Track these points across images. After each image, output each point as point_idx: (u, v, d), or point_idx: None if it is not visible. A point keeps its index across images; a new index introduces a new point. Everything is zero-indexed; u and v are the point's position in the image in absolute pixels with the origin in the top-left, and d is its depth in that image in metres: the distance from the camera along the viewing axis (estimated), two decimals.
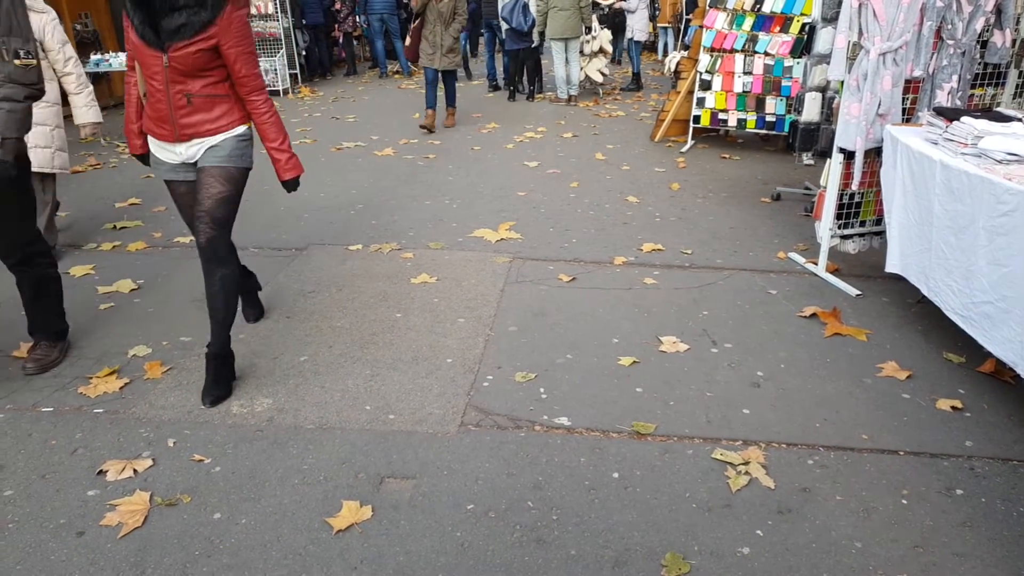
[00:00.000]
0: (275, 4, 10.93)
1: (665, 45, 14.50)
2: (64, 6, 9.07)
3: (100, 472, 2.46)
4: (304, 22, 12.37)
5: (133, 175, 6.40)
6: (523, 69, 10.67)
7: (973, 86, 4.00)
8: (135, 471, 2.46)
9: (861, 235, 4.15)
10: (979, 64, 3.96)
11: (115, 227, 5.01)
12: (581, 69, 10.51)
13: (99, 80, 9.74)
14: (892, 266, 3.56)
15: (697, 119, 7.17)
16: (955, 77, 3.80)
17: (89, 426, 2.73)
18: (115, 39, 10.34)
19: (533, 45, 10.13)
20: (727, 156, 7.06)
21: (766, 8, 6.57)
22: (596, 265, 4.35)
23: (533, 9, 9.71)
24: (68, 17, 9.51)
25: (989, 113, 3.28)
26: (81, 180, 6.28)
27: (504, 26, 10.08)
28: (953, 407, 2.84)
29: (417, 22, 7.95)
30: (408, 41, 8.23)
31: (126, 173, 6.49)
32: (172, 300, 3.87)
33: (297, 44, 12.10)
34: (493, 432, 2.69)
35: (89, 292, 3.96)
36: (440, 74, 8.13)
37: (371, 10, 12.53)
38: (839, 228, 4.08)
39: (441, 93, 8.46)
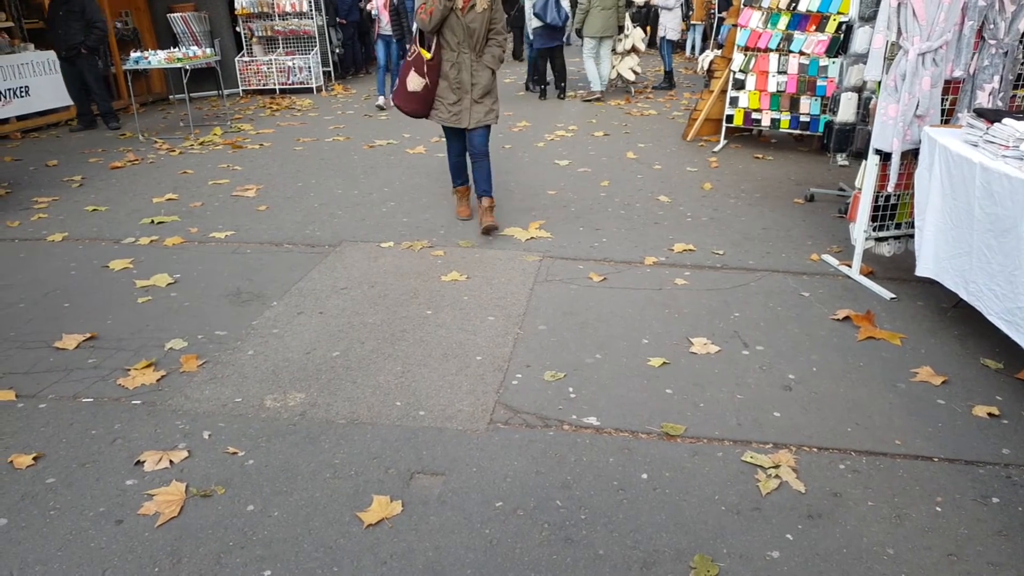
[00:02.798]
0: (310, 2, 11.04)
1: (694, 43, 14.41)
2: (106, 4, 9.26)
3: (138, 462, 2.52)
4: (339, 20, 12.47)
5: (171, 171, 6.52)
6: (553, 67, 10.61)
7: (1015, 87, 3.91)
8: (171, 462, 2.52)
9: (896, 238, 4.09)
10: (1022, 64, 3.87)
11: (152, 222, 5.11)
12: (613, 67, 10.47)
13: (138, 77, 9.95)
14: (924, 270, 3.50)
15: (730, 118, 7.11)
16: (996, 78, 3.72)
17: (127, 417, 2.80)
18: (154, 38, 10.53)
19: (566, 43, 10.06)
20: (760, 156, 6.99)
21: (802, 7, 6.49)
22: (626, 265, 4.33)
23: (565, 4, 9.66)
24: (110, 15, 9.71)
25: None
26: (120, 175, 6.41)
27: (535, 24, 9.96)
28: (990, 414, 2.79)
29: (418, 51, 4.67)
30: (403, 79, 4.76)
31: (164, 169, 6.61)
32: (208, 294, 3.94)
33: (331, 42, 12.21)
34: (522, 430, 2.70)
35: (127, 286, 4.04)
36: (468, 135, 4.83)
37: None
38: (874, 231, 4.02)
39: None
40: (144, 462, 2.52)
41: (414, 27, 4.79)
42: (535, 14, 9.78)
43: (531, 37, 10.51)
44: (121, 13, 10.28)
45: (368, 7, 9.80)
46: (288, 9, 11.09)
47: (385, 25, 9.54)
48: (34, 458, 2.54)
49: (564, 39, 10.14)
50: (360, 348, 3.33)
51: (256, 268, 4.31)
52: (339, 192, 5.83)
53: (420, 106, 4.73)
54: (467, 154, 4.96)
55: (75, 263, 4.39)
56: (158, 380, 3.06)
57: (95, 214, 5.31)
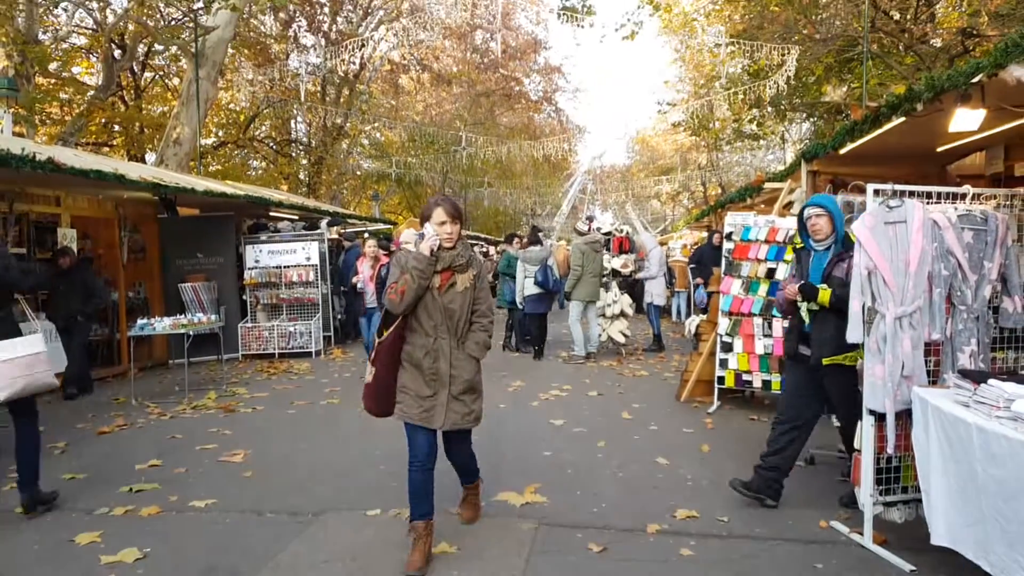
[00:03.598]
0: (316, 272, 11.73)
1: (679, 308, 15.16)
2: (121, 276, 9.82)
3: None
4: (343, 288, 13.12)
5: (160, 435, 6.43)
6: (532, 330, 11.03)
7: (993, 349, 4.02)
8: None
9: (905, 502, 3.92)
10: (995, 328, 4.01)
11: (131, 490, 4.92)
12: (604, 331, 10.88)
13: (140, 342, 10.23)
14: (938, 538, 3.31)
15: (722, 380, 7.21)
16: (974, 340, 3.83)
17: None
18: (162, 305, 11.01)
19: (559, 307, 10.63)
20: (755, 417, 6.97)
21: (779, 275, 6.88)
22: (628, 533, 4.11)
23: (556, 271, 10.51)
24: (124, 285, 10.27)
25: (1016, 376, 3.25)
26: (106, 441, 6.31)
27: (530, 291, 10.56)
28: None
29: (387, 334, 3.81)
30: (371, 374, 3.92)
31: (152, 434, 6.53)
32: (178, 572, 3.66)
33: (333, 308, 12.77)
34: None
35: (90, 563, 3.77)
36: (445, 442, 4.03)
37: None
38: (880, 495, 3.87)
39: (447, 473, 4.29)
40: None
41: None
42: (536, 282, 10.43)
43: (520, 304, 11.01)
44: (136, 283, 10.86)
45: (355, 280, 9.48)
46: (295, 279, 11.74)
47: (371, 298, 9.21)
48: None
49: (553, 304, 10.77)
50: None
51: (234, 540, 4.06)
52: (328, 456, 5.70)
53: (372, 402, 3.93)
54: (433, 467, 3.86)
55: (39, 537, 4.14)
56: None
57: (72, 482, 5.13)
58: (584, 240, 10.44)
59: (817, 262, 4.39)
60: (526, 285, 10.71)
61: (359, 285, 9.36)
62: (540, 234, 11.84)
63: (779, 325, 6.89)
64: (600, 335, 10.90)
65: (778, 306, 4.75)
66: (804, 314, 4.33)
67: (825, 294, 4.17)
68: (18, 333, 4.51)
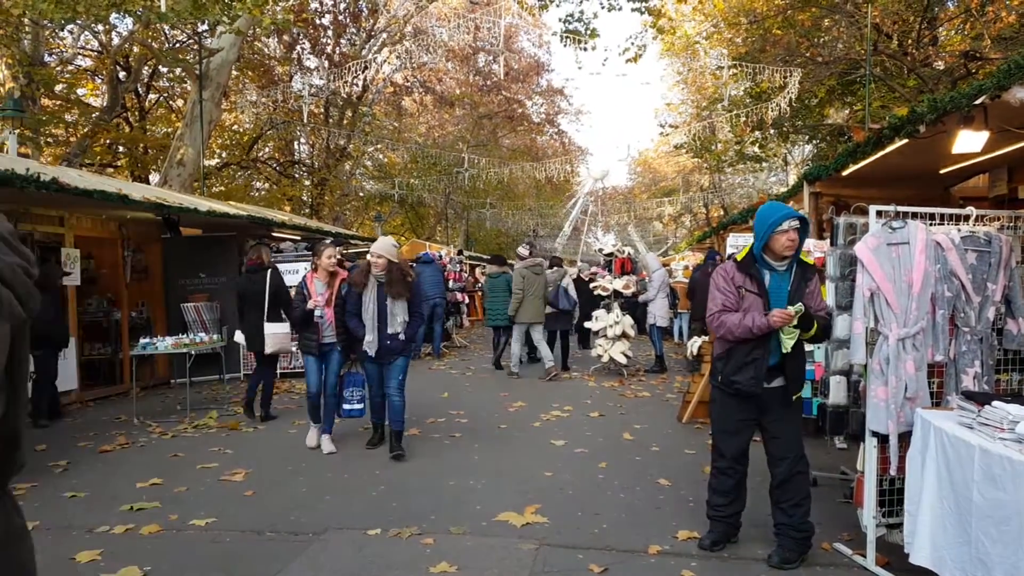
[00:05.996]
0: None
1: (681, 329, 15.11)
2: (124, 296, 9.84)
3: None
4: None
5: (161, 454, 6.41)
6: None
7: (997, 371, 4.00)
8: None
9: None
10: (999, 350, 4.00)
11: (132, 508, 4.90)
12: (606, 351, 10.89)
13: (143, 362, 10.23)
14: (921, 559, 3.28)
15: None
16: (977, 363, 3.82)
17: None
18: (165, 325, 11.01)
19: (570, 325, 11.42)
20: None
21: None
22: (629, 554, 4.08)
23: (573, 293, 11.21)
24: (128, 305, 10.29)
25: (1020, 398, 3.25)
26: (107, 459, 6.29)
27: (548, 311, 11.19)
28: None
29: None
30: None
31: (153, 453, 6.51)
32: None
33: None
34: None
35: None
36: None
37: (424, 298, 13.28)
38: (884, 516, 3.85)
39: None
40: None
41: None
42: (549, 302, 11.09)
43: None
44: (139, 303, 10.88)
45: (311, 305, 6.32)
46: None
47: (328, 330, 6.42)
48: None
49: (571, 324, 11.60)
50: None
51: (234, 559, 4.04)
52: (329, 475, 5.67)
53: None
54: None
55: (40, 555, 4.09)
56: None
57: (73, 500, 5.11)
58: (524, 264, 10.97)
59: (776, 284, 3.89)
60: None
61: (317, 312, 6.33)
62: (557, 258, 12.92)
63: None
64: (601, 356, 11.00)
65: (745, 331, 3.81)
66: (786, 344, 3.80)
67: (816, 324, 3.84)
68: None
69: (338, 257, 6.63)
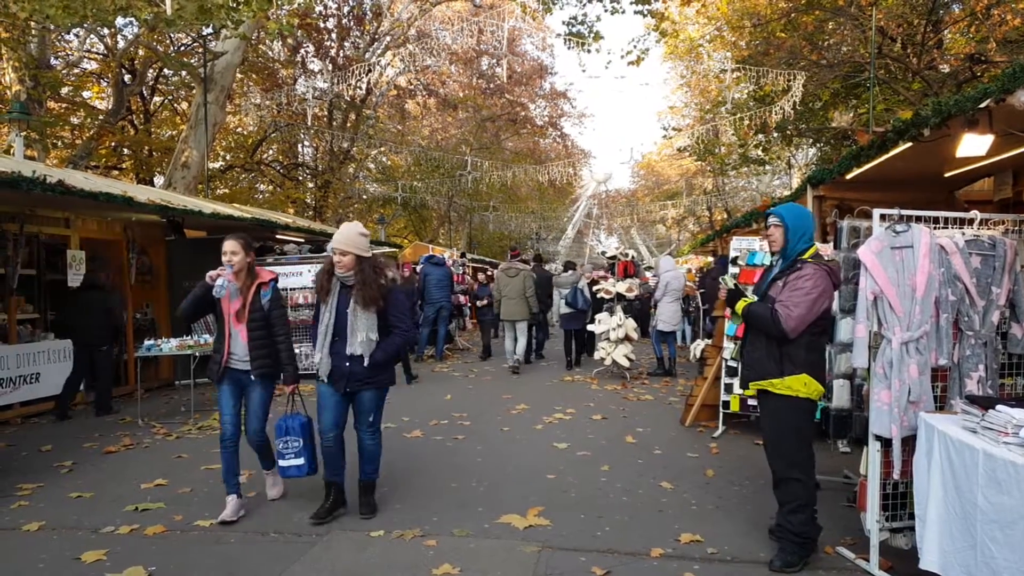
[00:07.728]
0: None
1: (683, 332, 15.08)
2: (129, 298, 9.85)
3: None
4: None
5: (166, 455, 6.43)
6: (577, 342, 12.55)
7: (1001, 375, 4.00)
8: None
9: (912, 528, 3.89)
10: (1003, 355, 3.99)
11: (137, 509, 4.92)
12: (609, 354, 10.88)
13: (147, 364, 10.25)
14: (929, 563, 3.28)
15: (727, 404, 7.18)
16: (981, 367, 3.82)
17: None
18: (169, 327, 11.04)
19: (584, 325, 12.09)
20: (760, 443, 6.91)
21: None
22: (631, 557, 4.08)
23: (587, 293, 12.03)
24: (132, 307, 10.30)
25: None
26: (112, 460, 6.31)
27: (566, 311, 12.09)
28: None
29: None
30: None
31: (158, 453, 6.53)
32: None
33: None
34: None
35: None
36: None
37: (430, 301, 13.35)
38: (887, 520, 3.85)
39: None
40: None
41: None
42: (567, 302, 12.00)
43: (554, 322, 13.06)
44: (143, 304, 10.90)
45: (212, 274, 4.53)
46: (300, 301, 11.77)
47: (242, 353, 4.78)
48: None
49: (585, 321, 12.23)
50: None
51: (238, 559, 4.05)
52: None
53: None
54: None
55: (46, 555, 4.14)
56: None
57: (79, 501, 5.13)
58: (500, 268, 12.25)
59: (767, 274, 4.20)
60: (560, 306, 12.44)
61: (219, 283, 4.53)
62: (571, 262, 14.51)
63: None
64: (604, 359, 10.98)
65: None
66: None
67: (743, 303, 3.99)
68: None
69: (242, 253, 4.63)
